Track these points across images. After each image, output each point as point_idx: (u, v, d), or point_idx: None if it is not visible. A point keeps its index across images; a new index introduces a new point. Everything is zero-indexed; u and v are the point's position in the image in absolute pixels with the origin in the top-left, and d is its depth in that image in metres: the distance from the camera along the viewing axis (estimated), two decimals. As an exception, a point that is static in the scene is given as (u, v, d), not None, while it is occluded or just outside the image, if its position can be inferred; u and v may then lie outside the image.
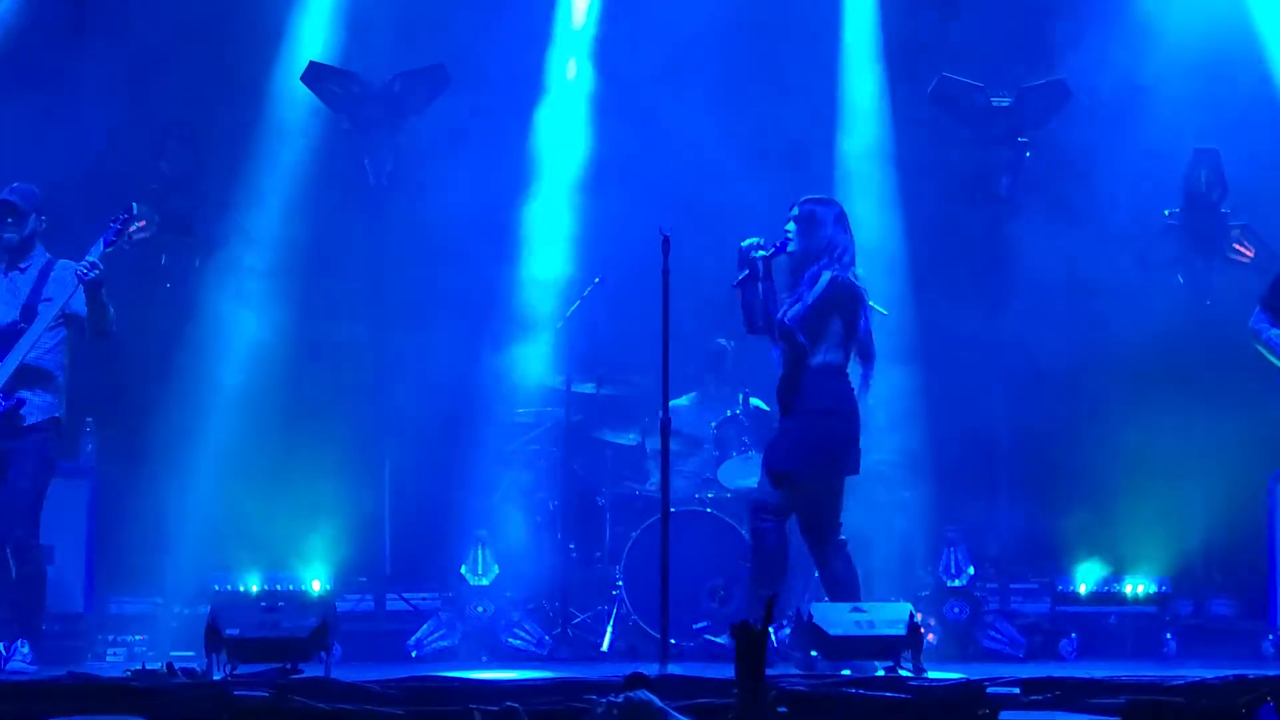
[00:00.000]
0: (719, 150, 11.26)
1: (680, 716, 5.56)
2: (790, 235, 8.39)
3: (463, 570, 10.21)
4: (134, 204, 8.95)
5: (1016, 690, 7.18)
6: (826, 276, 8.30)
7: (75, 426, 10.10)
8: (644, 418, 10.47)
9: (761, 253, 8.36)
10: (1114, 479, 10.73)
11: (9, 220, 8.64)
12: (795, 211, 8.46)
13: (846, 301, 8.33)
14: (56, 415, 8.67)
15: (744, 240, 8.40)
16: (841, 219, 8.47)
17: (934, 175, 11.45)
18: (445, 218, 10.87)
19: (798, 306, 8.31)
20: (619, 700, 5.54)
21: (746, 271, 8.37)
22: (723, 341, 10.95)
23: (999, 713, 7.01)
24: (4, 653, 8.37)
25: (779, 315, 8.33)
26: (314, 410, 10.78)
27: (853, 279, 8.35)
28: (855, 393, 8.37)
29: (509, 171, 10.88)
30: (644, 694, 5.58)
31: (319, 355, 10.74)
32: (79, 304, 8.56)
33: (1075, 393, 11.11)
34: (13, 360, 8.48)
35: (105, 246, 8.51)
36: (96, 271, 8.45)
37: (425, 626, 10.14)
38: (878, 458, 10.49)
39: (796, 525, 8.46)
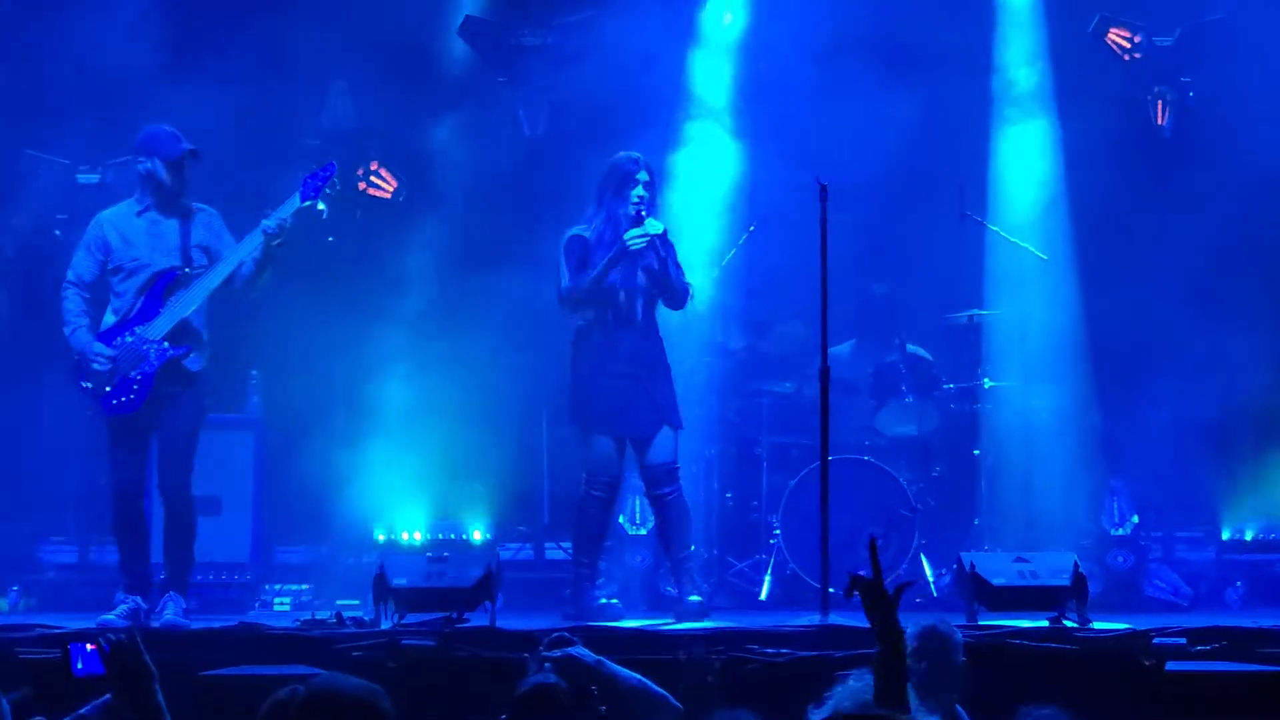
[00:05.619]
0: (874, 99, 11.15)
1: (618, 668, 5.50)
2: (645, 201, 8.56)
3: (620, 520, 10.24)
4: (333, 162, 8.52)
5: (1183, 640, 7.12)
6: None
7: (241, 379, 10.32)
8: (801, 366, 10.44)
9: (660, 226, 8.54)
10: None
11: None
12: (646, 177, 8.57)
13: None
14: (205, 367, 8.40)
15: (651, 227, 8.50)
16: None
17: (1094, 116, 11.22)
18: (598, 170, 10.86)
19: (675, 270, 8.67)
20: (557, 655, 5.49)
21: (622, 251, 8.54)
22: (877, 289, 10.87)
23: (1165, 663, 6.96)
24: (149, 606, 8.22)
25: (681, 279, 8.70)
26: (474, 361, 10.86)
27: None
28: None
29: (662, 121, 10.83)
30: (578, 649, 5.55)
31: (479, 307, 10.81)
32: (250, 261, 8.25)
33: (1238, 341, 10.87)
34: (185, 307, 8.22)
35: (302, 201, 8.22)
36: (283, 232, 8.12)
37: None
38: (1038, 404, 10.40)
39: (647, 475, 8.87)
